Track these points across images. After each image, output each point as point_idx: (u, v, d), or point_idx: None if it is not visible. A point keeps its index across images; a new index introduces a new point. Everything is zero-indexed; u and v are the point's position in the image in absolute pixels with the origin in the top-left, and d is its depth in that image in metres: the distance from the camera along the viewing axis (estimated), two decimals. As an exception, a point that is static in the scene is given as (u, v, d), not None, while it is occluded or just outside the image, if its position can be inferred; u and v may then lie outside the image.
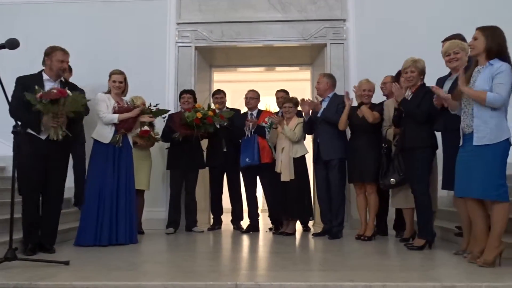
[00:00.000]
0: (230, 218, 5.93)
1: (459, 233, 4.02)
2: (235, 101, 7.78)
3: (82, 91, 4.10)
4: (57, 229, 4.04)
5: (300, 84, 7.80)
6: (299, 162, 5.08)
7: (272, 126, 5.28)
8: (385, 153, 4.51)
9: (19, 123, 3.25)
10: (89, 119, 4.93)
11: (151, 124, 5.27)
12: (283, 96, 5.70)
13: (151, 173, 5.44)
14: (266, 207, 5.82)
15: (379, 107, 4.73)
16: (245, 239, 4.95)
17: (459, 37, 4.05)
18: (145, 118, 4.66)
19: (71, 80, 4.85)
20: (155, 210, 5.73)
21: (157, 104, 4.86)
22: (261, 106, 5.95)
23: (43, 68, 3.98)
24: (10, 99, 3.33)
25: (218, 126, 5.56)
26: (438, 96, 3.60)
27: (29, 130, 3.77)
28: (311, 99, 5.27)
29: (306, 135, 5.26)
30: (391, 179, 4.35)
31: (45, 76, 3.91)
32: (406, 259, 3.55)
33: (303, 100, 5.07)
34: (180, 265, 3.34)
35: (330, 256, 3.76)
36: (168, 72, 6.09)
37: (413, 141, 3.99)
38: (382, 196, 4.75)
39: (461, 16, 5.54)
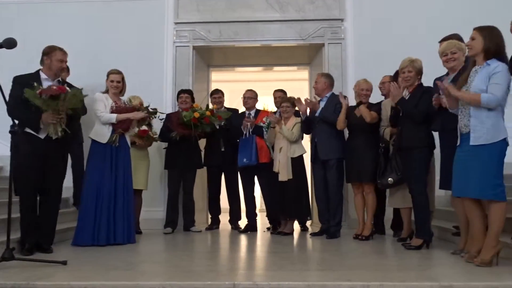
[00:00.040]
0: (228, 217, 5.93)
1: (457, 232, 4.03)
2: (233, 100, 7.76)
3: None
4: (55, 229, 4.04)
5: (298, 84, 7.79)
6: (297, 162, 5.09)
7: (270, 126, 5.28)
8: (382, 153, 4.51)
9: (16, 122, 3.25)
10: (87, 119, 4.94)
11: (149, 124, 5.27)
12: (280, 96, 5.71)
13: (149, 172, 5.43)
14: (264, 207, 5.83)
15: (376, 107, 4.74)
16: (243, 239, 4.95)
17: (456, 37, 4.05)
18: (139, 115, 4.62)
19: (68, 79, 4.86)
20: (153, 210, 5.73)
21: (148, 105, 4.84)
22: (259, 105, 5.95)
23: (41, 67, 3.97)
24: (7, 98, 3.33)
25: (217, 127, 5.57)
26: (441, 89, 3.57)
27: (28, 130, 3.76)
28: (309, 99, 5.27)
29: (304, 135, 5.27)
30: (389, 179, 4.36)
31: (43, 75, 3.91)
32: (404, 258, 3.56)
33: (298, 99, 5.08)
34: (178, 265, 3.34)
35: (328, 256, 3.76)
36: (166, 72, 6.08)
37: (411, 141, 4.00)
38: (379, 196, 4.76)
39: (458, 16, 5.55)
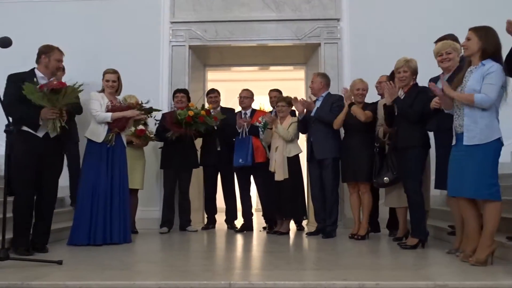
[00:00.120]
0: (224, 217, 5.92)
1: (452, 232, 4.04)
2: (229, 100, 7.78)
3: None
4: (50, 228, 4.02)
5: (294, 83, 7.81)
6: (293, 161, 5.09)
7: (267, 127, 5.27)
8: (378, 152, 4.52)
9: (11, 121, 3.23)
10: (83, 118, 4.92)
11: (145, 123, 5.26)
12: (276, 96, 5.71)
13: (145, 172, 5.43)
14: (260, 206, 5.83)
15: (372, 106, 4.74)
16: (239, 239, 4.96)
17: (452, 37, 4.07)
18: (137, 116, 4.63)
19: (63, 79, 4.83)
20: (149, 209, 5.72)
21: (148, 101, 4.82)
22: (255, 105, 5.95)
23: (36, 66, 3.96)
24: (2, 97, 3.30)
25: (215, 128, 5.56)
26: (434, 92, 3.59)
27: (25, 128, 3.74)
28: (304, 98, 5.28)
29: (300, 134, 5.27)
30: (385, 178, 4.36)
31: (39, 74, 3.89)
32: (399, 258, 3.57)
33: (295, 98, 5.08)
34: (174, 265, 3.34)
35: (324, 255, 3.77)
36: (162, 71, 6.08)
37: (406, 140, 4.01)
38: (372, 195, 4.77)
39: (454, 16, 5.56)
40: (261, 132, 5.42)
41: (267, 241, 4.74)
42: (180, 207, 5.59)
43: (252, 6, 6.13)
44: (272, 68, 7.89)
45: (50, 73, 3.95)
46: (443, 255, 3.60)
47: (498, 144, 3.12)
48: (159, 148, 5.68)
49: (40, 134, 3.79)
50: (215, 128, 5.59)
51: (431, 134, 4.03)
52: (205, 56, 6.59)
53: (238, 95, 5.86)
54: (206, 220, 6.01)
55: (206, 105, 5.81)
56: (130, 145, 5.08)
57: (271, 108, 5.82)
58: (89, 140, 4.43)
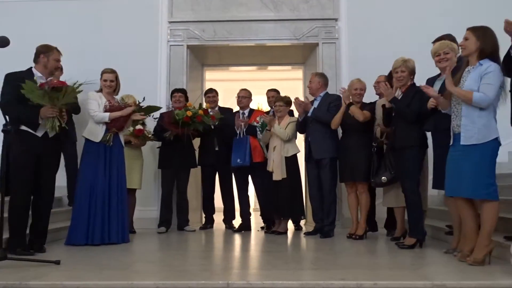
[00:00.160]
0: (222, 217, 5.92)
1: (450, 231, 4.05)
2: (227, 100, 7.76)
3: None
4: (48, 228, 4.01)
5: (292, 83, 7.80)
6: (291, 161, 5.09)
7: (266, 128, 5.27)
8: (376, 152, 4.52)
9: (8, 120, 3.22)
10: (81, 118, 4.92)
11: (143, 123, 5.26)
12: (274, 96, 5.71)
13: (143, 172, 5.42)
14: (258, 206, 5.83)
15: (370, 106, 4.75)
16: (237, 238, 4.95)
17: (449, 37, 4.07)
18: (137, 117, 4.64)
19: (61, 78, 4.83)
20: (146, 209, 5.72)
21: (143, 99, 4.82)
22: (253, 105, 5.95)
23: (33, 65, 3.94)
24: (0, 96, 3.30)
25: (212, 127, 5.57)
26: (427, 94, 3.61)
27: (23, 127, 3.73)
28: (302, 98, 5.28)
29: (298, 134, 5.27)
30: (382, 177, 4.37)
31: (37, 73, 3.88)
32: (397, 257, 3.58)
33: (297, 99, 5.07)
34: (172, 264, 3.33)
35: (322, 255, 3.77)
36: (160, 71, 6.07)
37: (403, 140, 4.01)
38: (369, 194, 4.77)
39: (452, 16, 5.57)
40: (258, 132, 5.41)
41: (265, 241, 4.74)
42: (178, 207, 5.58)
43: (250, 6, 6.13)
44: (270, 68, 7.89)
45: (49, 72, 3.95)
46: (440, 254, 3.60)
47: (495, 144, 3.13)
48: (157, 148, 5.67)
49: (39, 133, 3.79)
50: (212, 127, 5.58)
51: (428, 134, 4.04)
52: (203, 56, 6.59)
53: (236, 95, 5.86)
54: (204, 220, 6.00)
55: (204, 105, 5.80)
56: (128, 145, 5.07)
57: (269, 108, 5.82)
58: (87, 140, 4.42)
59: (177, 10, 6.14)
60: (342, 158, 4.79)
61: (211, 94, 5.93)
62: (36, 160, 3.76)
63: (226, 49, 6.35)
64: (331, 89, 5.32)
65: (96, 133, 4.39)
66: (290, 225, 5.53)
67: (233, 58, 6.78)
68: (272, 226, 5.33)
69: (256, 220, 6.12)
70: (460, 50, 3.45)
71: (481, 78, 3.14)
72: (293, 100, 5.15)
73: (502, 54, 3.27)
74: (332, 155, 4.85)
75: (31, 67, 3.93)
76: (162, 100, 5.94)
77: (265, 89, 6.09)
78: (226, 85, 7.93)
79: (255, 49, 6.34)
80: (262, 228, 5.66)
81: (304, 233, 5.08)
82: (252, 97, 5.89)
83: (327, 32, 6.05)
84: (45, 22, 5.98)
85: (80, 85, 3.94)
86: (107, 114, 4.39)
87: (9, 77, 3.77)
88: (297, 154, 5.17)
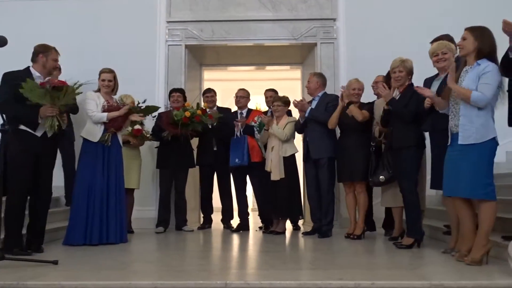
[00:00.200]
0: (220, 217, 5.92)
1: (447, 231, 4.05)
2: (226, 100, 7.76)
3: None
4: (45, 228, 4.00)
5: (290, 83, 7.81)
6: (289, 161, 5.09)
7: (264, 128, 5.26)
8: (374, 151, 4.53)
9: (6, 120, 3.21)
10: (79, 118, 4.91)
11: (141, 123, 5.25)
12: (272, 96, 5.71)
13: (141, 172, 5.42)
14: (256, 206, 5.84)
15: (368, 106, 4.75)
16: (235, 238, 4.96)
17: (447, 37, 4.08)
18: (135, 117, 4.64)
19: (59, 78, 4.83)
20: (145, 209, 5.71)
21: (144, 100, 4.82)
22: (251, 105, 5.95)
23: (30, 64, 3.93)
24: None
25: (210, 127, 5.57)
26: (422, 94, 3.61)
27: (22, 127, 3.72)
28: (300, 98, 5.28)
29: (296, 134, 5.27)
30: (380, 177, 4.36)
31: (35, 73, 3.87)
32: (395, 257, 3.58)
33: (295, 101, 5.06)
34: (170, 264, 3.33)
35: (320, 255, 3.78)
36: (158, 71, 6.07)
37: (401, 140, 4.02)
38: (367, 194, 4.77)
39: (450, 16, 5.57)
40: (256, 132, 5.41)
41: (263, 241, 4.74)
42: (176, 206, 5.58)
43: (248, 5, 6.13)
44: (268, 67, 7.90)
45: (47, 72, 3.94)
46: (438, 254, 3.61)
47: (493, 143, 3.13)
48: (155, 147, 5.67)
49: (39, 133, 3.78)
50: (210, 126, 5.58)
51: (426, 135, 4.04)
52: (201, 56, 6.58)
53: (234, 95, 5.86)
54: (202, 219, 6.00)
55: (202, 105, 5.80)
56: (126, 145, 5.07)
57: (267, 108, 5.82)
58: (85, 140, 4.42)
59: (175, 10, 6.14)
60: (340, 158, 4.80)
61: (209, 94, 5.93)
62: (35, 159, 3.75)
63: (224, 49, 6.35)
64: (329, 89, 5.32)
65: (94, 133, 4.39)
66: (288, 225, 5.53)
67: (231, 58, 6.78)
68: (270, 226, 5.33)
69: (254, 220, 6.12)
70: (458, 50, 3.46)
71: (479, 78, 3.15)
72: (292, 101, 5.14)
73: (500, 54, 3.28)
74: (330, 155, 4.85)
75: (29, 67, 3.92)
76: (160, 100, 5.93)
77: (263, 89, 6.08)
78: (224, 85, 7.93)
79: (253, 49, 6.34)
80: (260, 228, 5.66)
81: (302, 233, 5.08)
82: (251, 97, 5.89)
83: (325, 32, 6.06)
84: (43, 22, 5.98)
85: (80, 85, 3.94)
86: (105, 114, 4.39)
87: (7, 76, 3.76)
88: (296, 154, 5.17)
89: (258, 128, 5.36)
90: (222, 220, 5.90)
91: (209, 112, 5.57)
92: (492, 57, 3.20)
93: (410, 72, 4.16)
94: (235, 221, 5.82)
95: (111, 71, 4.58)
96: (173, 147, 5.40)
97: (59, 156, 4.57)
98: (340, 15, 6.07)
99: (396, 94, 4.14)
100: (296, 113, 5.25)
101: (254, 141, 5.45)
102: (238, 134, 5.49)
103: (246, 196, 5.79)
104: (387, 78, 4.55)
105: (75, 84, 3.92)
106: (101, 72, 4.58)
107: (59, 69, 4.94)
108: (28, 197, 3.83)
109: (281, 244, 4.50)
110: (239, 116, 5.69)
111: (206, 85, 6.55)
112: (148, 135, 5.43)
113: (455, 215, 3.50)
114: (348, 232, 4.73)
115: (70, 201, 5.00)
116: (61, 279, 2.72)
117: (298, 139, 5.38)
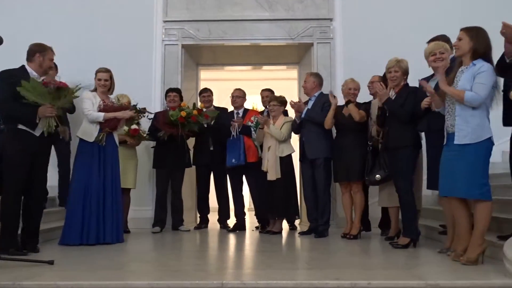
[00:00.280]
0: (217, 217, 5.92)
1: (443, 231, 4.07)
2: (222, 99, 7.76)
3: None
4: (40, 228, 3.98)
5: (287, 83, 7.82)
6: (286, 161, 5.10)
7: (259, 126, 5.27)
8: (371, 151, 4.53)
9: (1, 119, 3.20)
10: (75, 117, 4.90)
11: (137, 123, 5.25)
12: (268, 95, 5.72)
13: (137, 171, 5.40)
14: (252, 206, 5.84)
15: (365, 106, 4.76)
16: (232, 238, 4.95)
17: (443, 38, 4.08)
18: (127, 114, 4.60)
19: (57, 77, 4.81)
20: (141, 209, 5.70)
21: (136, 104, 4.83)
22: (247, 105, 5.94)
23: (26, 63, 3.91)
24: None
25: (205, 126, 5.56)
26: (425, 90, 3.61)
27: (20, 126, 3.70)
28: (297, 99, 5.28)
29: (293, 134, 5.27)
30: (376, 175, 4.36)
31: (31, 72, 3.85)
32: (391, 257, 3.59)
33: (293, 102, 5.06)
34: (167, 264, 3.33)
35: (316, 255, 3.78)
36: (154, 70, 6.06)
37: (397, 140, 4.03)
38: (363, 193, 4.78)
39: (447, 17, 5.58)
40: (253, 132, 5.41)
41: (259, 241, 4.74)
42: (173, 206, 5.57)
43: (245, 5, 6.13)
44: (265, 67, 7.89)
45: (43, 71, 3.92)
46: (434, 254, 3.62)
47: (489, 143, 3.14)
48: (152, 147, 5.66)
49: (37, 133, 3.76)
50: (205, 125, 5.58)
51: (422, 135, 4.05)
52: (198, 55, 6.58)
53: (230, 95, 5.86)
54: (198, 219, 6.00)
55: (198, 104, 5.80)
56: (123, 145, 5.06)
57: (263, 108, 5.82)
58: (81, 140, 4.40)
59: (172, 10, 6.13)
60: (336, 158, 4.80)
61: (206, 93, 5.92)
62: (32, 159, 3.73)
63: (221, 49, 6.35)
64: (326, 89, 5.32)
65: (90, 132, 4.38)
66: (285, 224, 5.53)
67: (228, 58, 6.77)
68: (266, 225, 5.34)
69: (250, 220, 6.12)
70: (454, 51, 3.47)
71: (474, 77, 3.16)
72: (289, 101, 5.14)
73: (497, 55, 3.29)
74: (326, 155, 4.85)
75: (24, 65, 3.89)
76: (156, 100, 5.93)
77: (259, 88, 6.09)
78: (221, 84, 7.94)
79: (250, 49, 6.34)
80: (256, 228, 5.66)
81: (299, 233, 5.09)
82: (247, 97, 5.89)
83: (322, 32, 6.06)
84: (41, 21, 5.95)
85: (79, 88, 3.94)
86: (102, 113, 4.37)
87: (3, 75, 3.73)
88: (292, 154, 5.17)
89: (254, 128, 5.36)
90: (218, 220, 5.90)
91: (205, 112, 5.56)
92: (487, 57, 3.21)
93: (405, 72, 4.17)
94: (231, 221, 5.81)
95: (107, 71, 4.57)
96: (170, 147, 5.39)
97: (54, 156, 4.56)
98: (336, 15, 6.08)
99: (391, 94, 4.15)
100: (292, 113, 5.26)
101: (250, 141, 5.45)
102: (235, 134, 5.49)
103: (242, 196, 5.79)
104: (384, 79, 4.56)
105: (77, 86, 3.92)
106: (97, 71, 4.57)
107: (56, 68, 4.92)
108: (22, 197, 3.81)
109: (277, 244, 4.50)
110: (235, 116, 5.69)
111: (202, 85, 6.55)
112: (145, 135, 5.42)
113: (451, 215, 3.51)
114: (344, 232, 4.73)
115: (64, 202, 5.01)
116: (57, 279, 2.71)
117: (295, 139, 5.39)
